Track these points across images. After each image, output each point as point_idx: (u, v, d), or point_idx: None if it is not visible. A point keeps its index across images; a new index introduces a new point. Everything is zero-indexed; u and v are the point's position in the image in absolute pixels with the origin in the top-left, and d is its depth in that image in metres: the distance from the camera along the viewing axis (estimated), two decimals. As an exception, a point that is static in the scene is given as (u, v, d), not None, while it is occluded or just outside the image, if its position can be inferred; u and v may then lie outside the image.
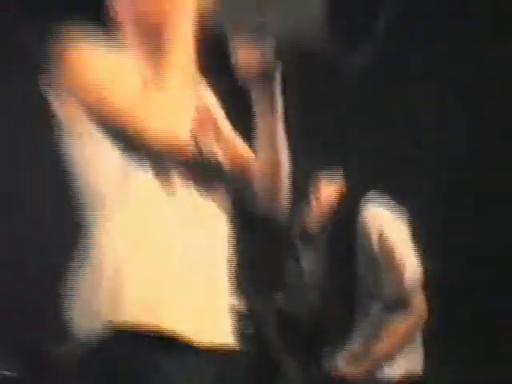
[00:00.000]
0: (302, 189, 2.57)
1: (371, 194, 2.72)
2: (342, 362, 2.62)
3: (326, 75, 1.99)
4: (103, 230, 1.63)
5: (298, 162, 1.87)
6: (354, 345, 2.66)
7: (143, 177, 1.63)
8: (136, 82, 1.65)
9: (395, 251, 2.63)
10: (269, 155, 1.80)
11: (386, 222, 2.66)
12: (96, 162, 1.65)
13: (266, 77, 1.70)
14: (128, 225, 1.62)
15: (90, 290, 1.61)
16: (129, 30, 1.76)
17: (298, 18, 1.60)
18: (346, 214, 2.64)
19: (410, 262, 2.63)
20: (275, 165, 1.82)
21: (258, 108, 1.74)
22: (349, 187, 2.67)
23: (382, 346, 2.61)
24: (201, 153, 1.66)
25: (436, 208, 3.15)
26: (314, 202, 2.69)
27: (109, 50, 1.68)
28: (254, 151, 1.81)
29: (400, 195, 2.65)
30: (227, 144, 1.81)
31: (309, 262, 2.66)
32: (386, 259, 2.62)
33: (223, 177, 1.76)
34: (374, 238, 2.64)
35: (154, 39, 1.67)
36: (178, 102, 1.62)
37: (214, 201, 1.73)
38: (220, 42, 1.67)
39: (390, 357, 2.63)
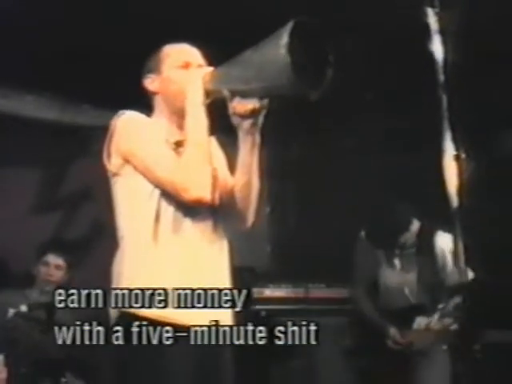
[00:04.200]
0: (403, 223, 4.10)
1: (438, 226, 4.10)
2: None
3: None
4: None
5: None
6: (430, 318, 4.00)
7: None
8: (163, 140, 2.23)
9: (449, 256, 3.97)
10: (244, 179, 2.31)
11: (446, 240, 4.00)
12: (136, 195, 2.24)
13: (250, 122, 2.23)
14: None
15: None
16: (159, 101, 2.36)
17: (273, 78, 2.06)
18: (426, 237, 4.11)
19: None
20: (248, 187, 2.32)
21: (242, 144, 2.29)
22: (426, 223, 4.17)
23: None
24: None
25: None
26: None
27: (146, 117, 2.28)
28: (234, 174, 2.35)
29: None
30: (219, 183, 2.32)
31: (403, 263, 4.10)
32: (444, 261, 4.00)
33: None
34: (440, 248, 4.04)
35: (176, 108, 2.28)
36: (195, 157, 2.17)
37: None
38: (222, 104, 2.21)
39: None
